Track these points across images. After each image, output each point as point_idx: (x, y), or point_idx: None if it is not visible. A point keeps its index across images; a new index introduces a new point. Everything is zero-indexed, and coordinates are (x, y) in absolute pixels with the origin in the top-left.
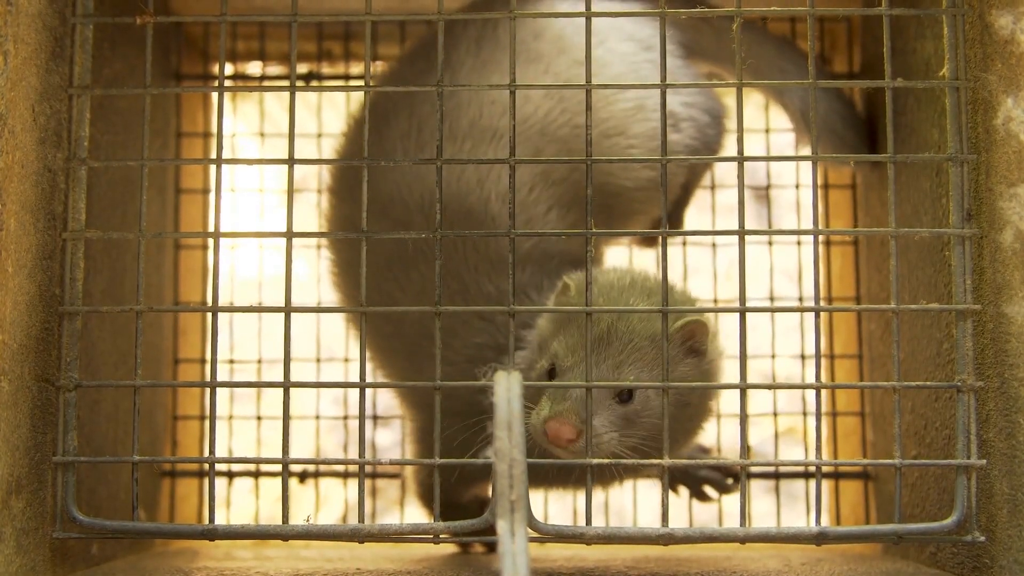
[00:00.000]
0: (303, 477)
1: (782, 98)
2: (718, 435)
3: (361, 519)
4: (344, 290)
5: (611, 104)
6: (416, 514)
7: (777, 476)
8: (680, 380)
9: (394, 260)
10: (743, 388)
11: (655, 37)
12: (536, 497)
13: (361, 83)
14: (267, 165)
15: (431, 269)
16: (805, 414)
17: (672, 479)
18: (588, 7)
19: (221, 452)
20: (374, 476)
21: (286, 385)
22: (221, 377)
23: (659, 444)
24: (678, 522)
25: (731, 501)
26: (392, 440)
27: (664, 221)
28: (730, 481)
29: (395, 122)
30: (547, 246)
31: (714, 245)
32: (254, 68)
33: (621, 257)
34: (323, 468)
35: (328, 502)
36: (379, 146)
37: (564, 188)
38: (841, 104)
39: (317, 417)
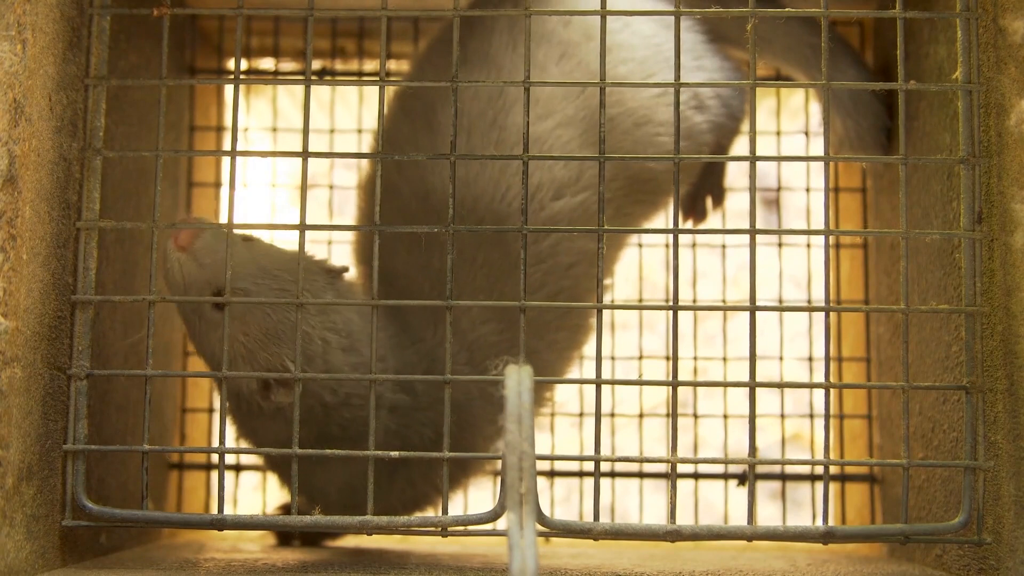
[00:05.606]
0: None
1: (809, 71)
2: (725, 437)
3: (369, 511)
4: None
5: (638, 91)
6: None
7: (783, 478)
8: None
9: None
10: (752, 387)
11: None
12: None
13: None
14: (280, 161)
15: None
16: (812, 417)
17: None
18: (603, 5)
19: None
20: None
21: (296, 377)
22: None
23: None
24: (684, 521)
25: (738, 503)
26: None
27: (676, 220)
28: None
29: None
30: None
31: (723, 247)
32: (267, 64)
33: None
34: None
35: None
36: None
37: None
38: (863, 70)
39: None
